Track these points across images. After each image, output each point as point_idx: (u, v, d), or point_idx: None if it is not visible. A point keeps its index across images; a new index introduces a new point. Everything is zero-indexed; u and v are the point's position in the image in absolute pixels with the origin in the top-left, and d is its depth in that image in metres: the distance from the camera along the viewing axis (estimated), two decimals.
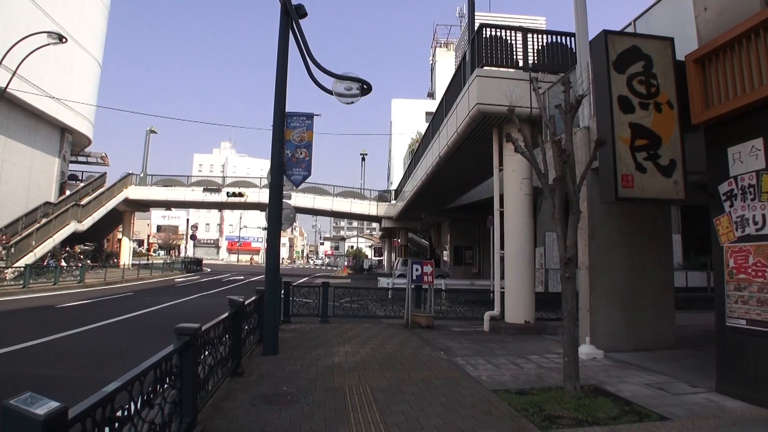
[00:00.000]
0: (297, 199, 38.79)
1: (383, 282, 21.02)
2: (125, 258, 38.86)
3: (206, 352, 4.56)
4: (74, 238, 33.61)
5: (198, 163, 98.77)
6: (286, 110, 8.14)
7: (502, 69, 11.15)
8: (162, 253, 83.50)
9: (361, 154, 50.34)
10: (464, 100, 11.83)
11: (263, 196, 38.57)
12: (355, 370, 6.60)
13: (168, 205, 42.67)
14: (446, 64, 66.16)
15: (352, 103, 8.40)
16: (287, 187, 10.81)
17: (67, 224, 29.25)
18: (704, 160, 6.35)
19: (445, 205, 28.36)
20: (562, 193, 5.53)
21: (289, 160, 8.28)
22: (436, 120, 17.27)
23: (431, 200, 26.50)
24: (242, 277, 33.62)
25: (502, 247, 11.41)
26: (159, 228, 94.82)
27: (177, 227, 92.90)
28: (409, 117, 60.69)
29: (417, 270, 11.38)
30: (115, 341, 9.06)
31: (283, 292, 11.14)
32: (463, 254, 33.19)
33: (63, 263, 27.21)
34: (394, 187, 47.40)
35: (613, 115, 6.04)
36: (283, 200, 10.89)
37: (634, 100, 6.22)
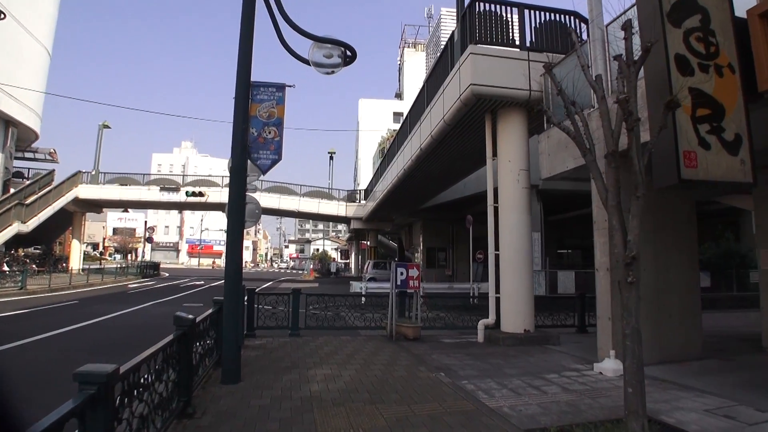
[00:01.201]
0: (262, 198, 36.87)
1: (356, 286, 19.52)
2: (75, 262, 36.12)
3: (134, 401, 3.06)
4: (20, 241, 30.98)
5: (157, 162, 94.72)
6: (252, 80, 6.66)
7: (497, 47, 9.91)
8: (118, 257, 79.76)
9: (329, 153, 48.76)
10: (454, 83, 10.55)
11: (225, 195, 36.23)
12: (340, 403, 5.14)
13: (122, 205, 40.04)
14: (415, 65, 65.32)
15: (333, 72, 6.96)
16: (252, 176, 9.32)
17: (10, 225, 26.77)
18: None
19: (419, 205, 27.10)
20: (617, 172, 4.25)
21: (254, 140, 6.77)
22: (414, 112, 15.98)
23: (405, 199, 25.18)
24: (202, 282, 31.59)
25: (496, 248, 10.15)
26: (115, 231, 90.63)
27: (134, 230, 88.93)
28: (376, 117, 59.46)
29: (402, 274, 9.99)
30: (43, 365, 7.35)
31: (246, 300, 9.65)
32: (437, 256, 31.94)
33: (5, 268, 24.77)
34: (361, 187, 46.02)
35: (671, 76, 4.83)
36: (247, 194, 9.40)
37: (692, 60, 5.03)
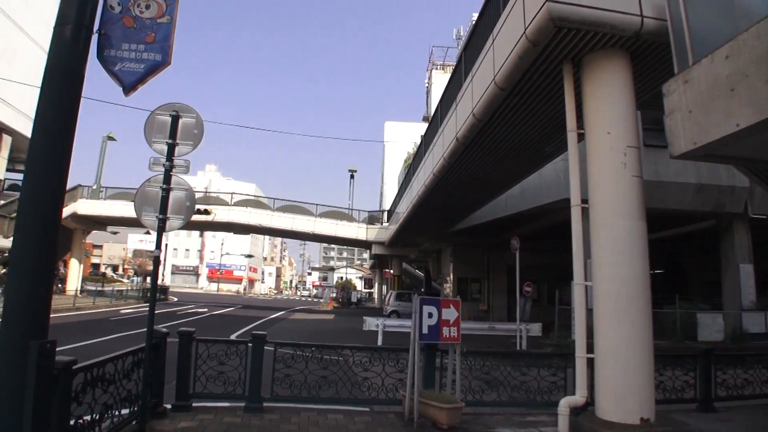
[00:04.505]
0: (273, 218, 33.53)
1: (371, 323, 15.28)
2: (73, 283, 33.05)
3: None
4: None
5: None
6: None
7: None
8: (137, 279, 77.92)
9: (349, 171, 45.22)
10: (513, 18, 6.78)
11: (234, 214, 33.24)
12: None
13: (125, 222, 36.98)
14: (443, 86, 62.29)
15: None
16: (185, 145, 5.58)
17: None
18: None
19: (449, 227, 23.12)
20: None
21: (115, 21, 3.10)
22: (447, 97, 12.27)
23: (432, 218, 21.25)
24: (206, 310, 28.02)
25: (586, 276, 6.20)
26: (135, 253, 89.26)
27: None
28: (403, 140, 56.44)
29: (430, 316, 6.04)
30: None
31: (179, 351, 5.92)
32: (469, 288, 27.55)
33: None
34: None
35: None
36: (176, 176, 5.68)
37: None
